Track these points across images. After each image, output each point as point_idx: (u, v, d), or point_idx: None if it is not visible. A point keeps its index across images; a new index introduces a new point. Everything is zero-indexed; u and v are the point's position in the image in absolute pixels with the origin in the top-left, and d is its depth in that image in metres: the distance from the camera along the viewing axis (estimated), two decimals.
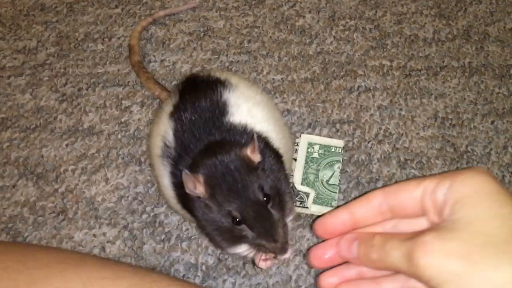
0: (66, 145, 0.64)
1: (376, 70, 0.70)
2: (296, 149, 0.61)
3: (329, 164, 0.60)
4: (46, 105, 0.67)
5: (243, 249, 0.45)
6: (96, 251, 0.56)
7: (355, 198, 0.35)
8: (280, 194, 0.43)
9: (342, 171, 0.61)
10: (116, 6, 0.78)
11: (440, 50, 0.73)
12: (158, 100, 0.66)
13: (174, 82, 0.69)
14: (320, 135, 0.64)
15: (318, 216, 0.57)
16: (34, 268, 0.39)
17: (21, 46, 0.73)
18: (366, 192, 0.33)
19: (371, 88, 0.69)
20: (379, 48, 0.73)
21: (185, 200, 0.45)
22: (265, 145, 0.47)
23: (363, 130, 0.64)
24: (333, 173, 0.60)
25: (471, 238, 0.26)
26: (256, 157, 0.43)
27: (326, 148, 0.61)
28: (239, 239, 0.43)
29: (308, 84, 0.69)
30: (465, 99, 0.68)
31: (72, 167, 0.62)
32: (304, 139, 0.62)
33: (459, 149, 0.63)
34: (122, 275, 0.40)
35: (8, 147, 0.64)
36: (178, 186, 0.45)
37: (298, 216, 0.57)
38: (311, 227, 0.57)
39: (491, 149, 0.63)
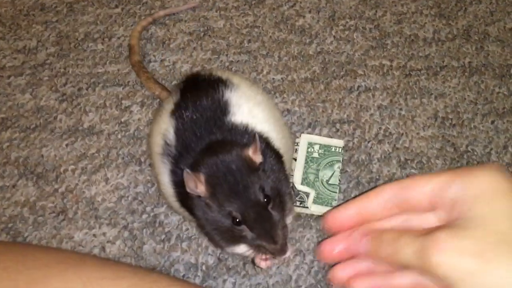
0: (66, 145, 0.64)
1: (376, 70, 0.70)
2: (296, 149, 0.61)
3: (329, 164, 0.60)
4: (46, 105, 0.67)
5: (242, 249, 0.45)
6: (96, 251, 0.56)
7: (364, 192, 0.34)
8: (281, 195, 0.43)
9: (342, 171, 0.61)
10: (116, 6, 0.78)
11: (440, 50, 0.73)
12: (158, 100, 0.66)
13: (174, 82, 0.69)
14: (320, 135, 0.64)
15: (319, 216, 0.57)
16: (33, 268, 0.39)
17: (21, 46, 0.73)
18: (373, 188, 0.33)
19: (371, 88, 0.69)
20: (379, 48, 0.73)
21: (185, 199, 0.45)
22: (266, 145, 0.47)
23: (363, 130, 0.64)
24: (333, 173, 0.60)
25: (485, 236, 0.26)
26: (257, 158, 0.43)
27: (326, 148, 0.61)
28: (238, 239, 0.43)
29: (308, 84, 0.69)
30: (465, 99, 0.68)
31: (72, 167, 0.62)
32: (304, 139, 0.62)
33: (459, 149, 0.63)
34: (122, 275, 0.40)
35: (8, 147, 0.64)
36: (178, 184, 0.45)
37: (298, 216, 0.57)
38: (311, 227, 0.57)
39: (491, 149, 0.63)
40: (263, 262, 0.48)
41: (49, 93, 0.68)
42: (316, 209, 0.57)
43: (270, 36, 0.74)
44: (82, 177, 0.61)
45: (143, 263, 0.55)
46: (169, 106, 0.50)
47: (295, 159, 0.60)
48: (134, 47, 0.70)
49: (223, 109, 0.47)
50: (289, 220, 0.46)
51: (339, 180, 0.59)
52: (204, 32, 0.74)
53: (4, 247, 0.45)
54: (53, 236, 0.57)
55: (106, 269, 0.41)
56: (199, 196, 0.42)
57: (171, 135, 0.47)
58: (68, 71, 0.70)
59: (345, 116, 0.66)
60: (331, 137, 0.63)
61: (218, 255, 0.55)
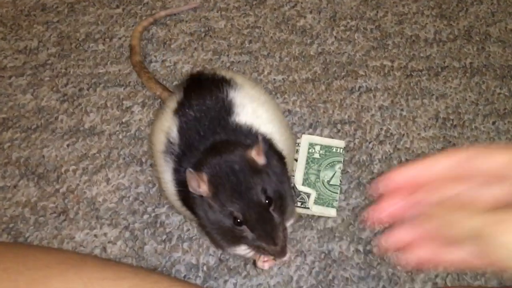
0: (67, 145, 0.64)
1: (377, 70, 0.70)
2: (297, 150, 0.61)
3: (330, 164, 0.60)
4: (47, 105, 0.67)
5: (242, 249, 0.45)
6: (97, 251, 0.56)
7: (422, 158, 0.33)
8: (282, 197, 0.43)
9: (343, 172, 0.61)
10: (117, 6, 0.78)
11: (441, 51, 0.73)
12: (159, 100, 0.66)
13: (175, 82, 0.69)
14: (321, 135, 0.64)
15: (319, 217, 0.57)
16: (34, 269, 0.39)
17: (22, 46, 0.73)
18: (427, 156, 0.31)
19: (372, 88, 0.68)
20: (380, 48, 0.73)
21: (187, 198, 0.45)
22: (269, 147, 0.46)
23: (364, 131, 0.64)
24: (334, 174, 0.60)
25: None
26: (260, 159, 0.43)
27: (327, 148, 0.61)
28: (239, 239, 0.43)
29: (309, 84, 0.69)
30: (466, 99, 0.68)
31: (73, 167, 0.62)
32: (305, 140, 0.62)
33: None
34: (123, 276, 0.40)
35: (9, 147, 0.64)
36: (180, 183, 0.45)
37: (299, 217, 0.57)
38: (312, 227, 0.57)
39: None
40: (264, 263, 0.48)
41: (50, 93, 0.68)
42: (317, 210, 0.57)
43: (271, 37, 0.74)
44: (83, 178, 0.61)
45: (144, 264, 0.55)
46: (172, 104, 0.50)
47: (296, 160, 0.60)
48: (135, 47, 0.70)
49: (227, 109, 0.47)
50: (290, 223, 0.46)
51: (340, 181, 0.59)
52: (205, 33, 0.74)
53: (5, 247, 0.45)
54: (54, 236, 0.57)
55: (107, 269, 0.41)
56: (201, 196, 0.42)
57: (174, 134, 0.47)
58: (69, 72, 0.70)
59: (346, 116, 0.66)
60: (332, 138, 0.63)
61: (219, 255, 0.55)
